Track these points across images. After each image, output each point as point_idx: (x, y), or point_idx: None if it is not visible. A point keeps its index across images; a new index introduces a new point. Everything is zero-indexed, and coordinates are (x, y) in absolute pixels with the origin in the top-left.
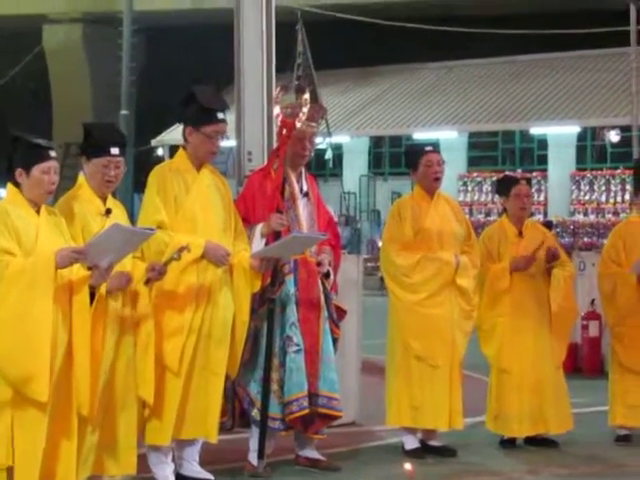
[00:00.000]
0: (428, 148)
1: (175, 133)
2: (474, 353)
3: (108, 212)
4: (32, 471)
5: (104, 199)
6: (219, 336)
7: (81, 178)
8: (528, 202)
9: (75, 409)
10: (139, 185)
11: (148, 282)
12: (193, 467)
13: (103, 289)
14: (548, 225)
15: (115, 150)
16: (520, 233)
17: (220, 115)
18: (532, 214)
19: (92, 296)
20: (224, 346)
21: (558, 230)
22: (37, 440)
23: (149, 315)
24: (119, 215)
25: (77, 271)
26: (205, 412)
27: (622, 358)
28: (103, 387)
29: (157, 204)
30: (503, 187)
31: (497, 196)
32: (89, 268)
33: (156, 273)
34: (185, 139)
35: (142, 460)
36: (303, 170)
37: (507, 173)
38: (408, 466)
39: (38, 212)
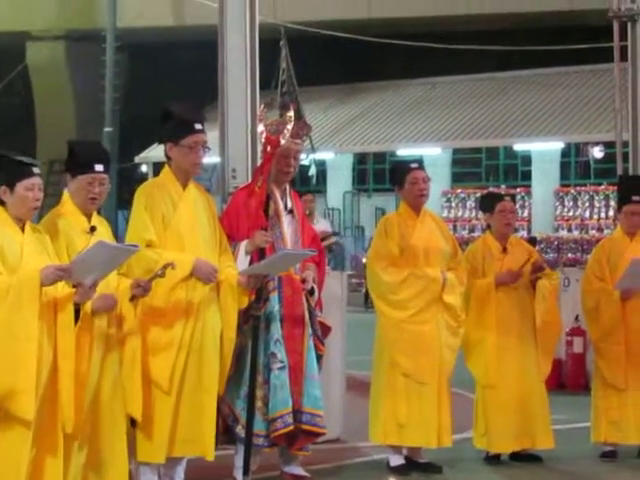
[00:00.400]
0: (414, 165)
1: (159, 150)
2: (460, 369)
3: (93, 229)
4: None
5: (89, 216)
6: (209, 353)
7: (65, 195)
8: (512, 218)
9: (60, 426)
10: (123, 202)
11: (133, 299)
12: None
13: (88, 307)
14: (532, 241)
15: (99, 167)
16: (504, 249)
17: (198, 126)
18: (516, 230)
19: (77, 313)
20: (215, 363)
21: (542, 246)
22: (21, 457)
23: (134, 332)
24: (104, 232)
25: (62, 289)
26: (201, 429)
27: (605, 374)
28: (90, 405)
29: (145, 222)
30: (487, 203)
31: (481, 212)
32: (74, 286)
33: (141, 290)
34: (167, 157)
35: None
36: (287, 187)
37: (491, 190)
38: None
39: (23, 230)
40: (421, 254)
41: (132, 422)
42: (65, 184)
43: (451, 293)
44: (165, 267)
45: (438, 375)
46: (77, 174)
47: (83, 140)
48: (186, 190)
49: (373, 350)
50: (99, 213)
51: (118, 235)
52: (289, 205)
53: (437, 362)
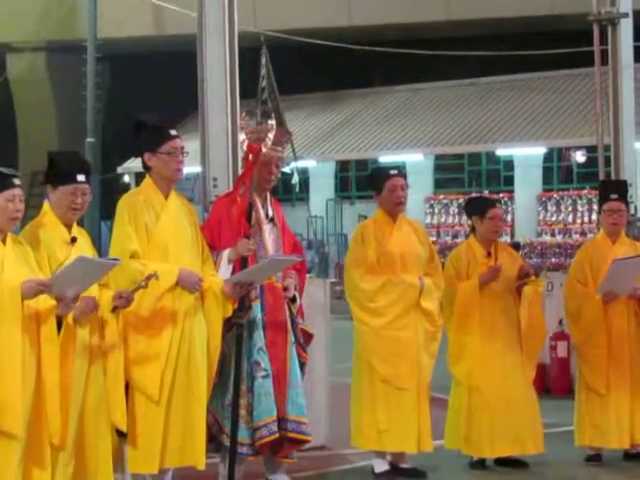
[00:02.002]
0: (393, 172)
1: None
2: (441, 374)
3: (74, 240)
4: None
5: (69, 227)
6: (197, 361)
7: (46, 206)
8: (502, 225)
9: (47, 438)
10: (106, 213)
11: (115, 309)
12: None
13: (70, 318)
14: (515, 246)
15: (81, 177)
16: (489, 254)
17: (173, 132)
18: (500, 235)
19: (59, 325)
20: (203, 371)
21: (525, 251)
22: (11, 471)
23: (117, 343)
24: (84, 243)
25: (44, 301)
26: (192, 438)
27: (587, 378)
28: (76, 417)
29: (129, 233)
30: (477, 208)
31: (466, 216)
32: (56, 298)
33: (123, 301)
34: (146, 167)
35: None
36: (268, 195)
37: (482, 194)
38: None
39: (4, 241)
40: (398, 260)
41: (120, 433)
42: (47, 195)
43: (429, 299)
44: (148, 278)
45: (417, 380)
46: (58, 185)
47: (63, 151)
48: (168, 199)
49: (352, 357)
50: (80, 224)
51: (102, 245)
52: (270, 213)
53: (416, 367)
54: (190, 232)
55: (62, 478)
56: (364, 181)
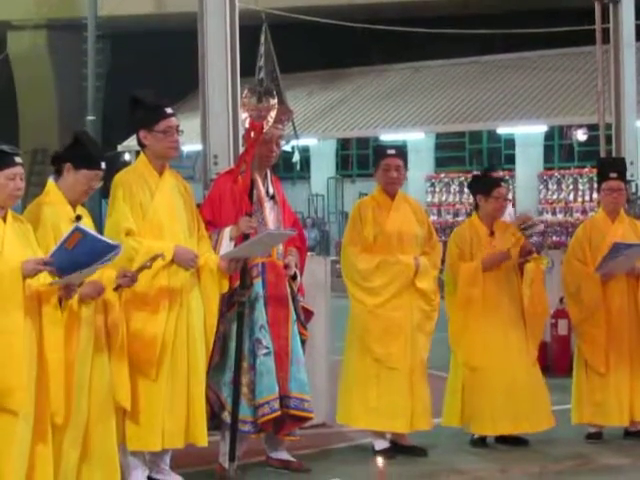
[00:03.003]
0: (390, 152)
1: None
2: (440, 353)
3: (79, 218)
4: None
5: (74, 206)
6: (195, 339)
7: (51, 184)
8: (506, 204)
9: (49, 418)
10: (106, 191)
11: (118, 288)
12: (164, 470)
13: (75, 297)
14: None
15: (104, 165)
16: (492, 233)
17: (168, 110)
18: (503, 214)
19: (60, 303)
20: (201, 348)
21: None
22: (20, 450)
23: (120, 321)
24: (87, 223)
25: (43, 279)
26: (192, 416)
27: (586, 357)
28: (83, 396)
29: (124, 211)
30: (483, 186)
31: (470, 193)
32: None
33: (127, 280)
34: (142, 144)
35: None
36: (269, 172)
37: (486, 172)
38: (381, 465)
39: (4, 219)
40: (395, 240)
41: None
42: (49, 173)
43: (424, 279)
44: (153, 259)
45: (410, 360)
46: (82, 167)
47: (87, 133)
48: (162, 177)
49: (345, 334)
50: (82, 203)
51: (102, 222)
52: (271, 191)
53: (409, 348)
54: (185, 210)
55: (67, 458)
56: (365, 159)
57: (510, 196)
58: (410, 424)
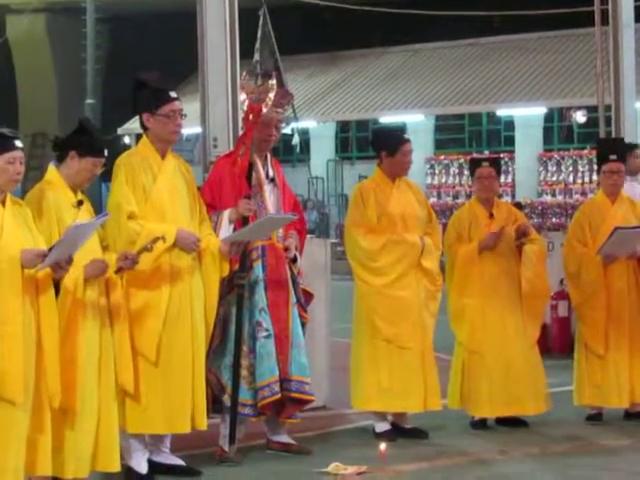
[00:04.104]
0: (406, 136)
1: None
2: (444, 335)
3: (80, 203)
4: (17, 469)
5: (75, 191)
6: (196, 322)
7: (51, 169)
8: (490, 184)
9: (47, 404)
10: (106, 174)
11: (119, 271)
12: (164, 453)
13: (80, 278)
14: (517, 207)
15: (106, 152)
16: (491, 215)
17: (173, 94)
18: (500, 196)
19: (56, 288)
20: (201, 331)
21: (526, 211)
22: (18, 438)
23: (122, 304)
24: (87, 207)
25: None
26: (192, 400)
27: (586, 339)
28: (93, 381)
29: (126, 194)
30: (470, 169)
31: (468, 178)
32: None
33: (129, 262)
34: (144, 127)
35: None
36: (268, 155)
37: (475, 155)
38: (382, 447)
39: (3, 203)
40: (398, 220)
41: None
42: (50, 158)
43: (429, 258)
44: (154, 241)
45: (420, 339)
46: (87, 154)
47: (89, 119)
48: (165, 160)
49: (353, 317)
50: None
51: (102, 206)
52: (270, 173)
53: (418, 326)
54: (187, 192)
55: (71, 442)
56: (364, 142)
57: (509, 178)
58: (423, 404)
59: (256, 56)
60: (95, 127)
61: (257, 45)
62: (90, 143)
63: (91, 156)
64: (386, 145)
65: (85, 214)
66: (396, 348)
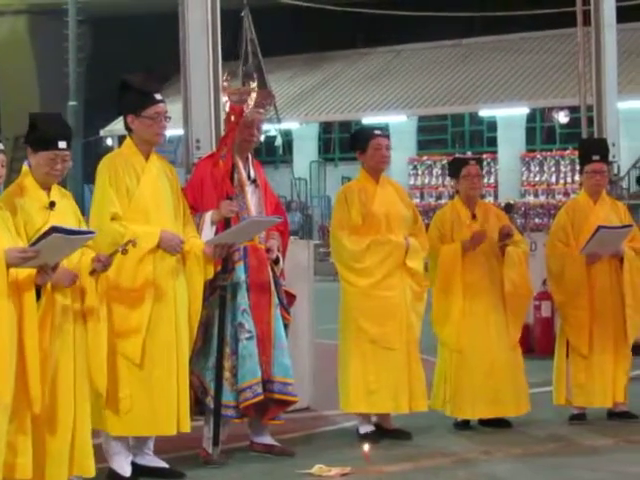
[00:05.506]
0: (377, 132)
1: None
2: (430, 336)
3: (52, 205)
4: None
5: (48, 190)
6: (180, 325)
7: (25, 169)
8: (478, 182)
9: (27, 407)
10: (89, 176)
11: (93, 273)
12: (148, 456)
13: (49, 284)
14: (507, 208)
15: (63, 144)
16: (474, 216)
17: (158, 96)
18: (483, 196)
19: (38, 293)
20: (185, 334)
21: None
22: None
23: (96, 306)
24: (67, 206)
25: (22, 270)
26: (176, 403)
27: (570, 339)
28: (69, 384)
29: (110, 195)
30: (454, 169)
31: (449, 179)
32: (38, 268)
33: (101, 265)
34: (128, 128)
35: (98, 450)
36: (250, 156)
37: (457, 155)
38: (366, 448)
39: None
40: (383, 221)
41: None
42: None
43: (414, 258)
44: (127, 244)
45: (406, 340)
46: (39, 149)
47: (45, 113)
48: (148, 161)
49: (338, 320)
50: (64, 185)
51: (85, 209)
52: (252, 175)
53: (404, 327)
54: (171, 194)
55: (49, 446)
56: (347, 143)
57: (492, 178)
58: (409, 405)
59: (245, 58)
60: (48, 121)
61: (239, 47)
62: (39, 137)
63: (43, 150)
64: (358, 143)
65: (59, 215)
66: (382, 349)
